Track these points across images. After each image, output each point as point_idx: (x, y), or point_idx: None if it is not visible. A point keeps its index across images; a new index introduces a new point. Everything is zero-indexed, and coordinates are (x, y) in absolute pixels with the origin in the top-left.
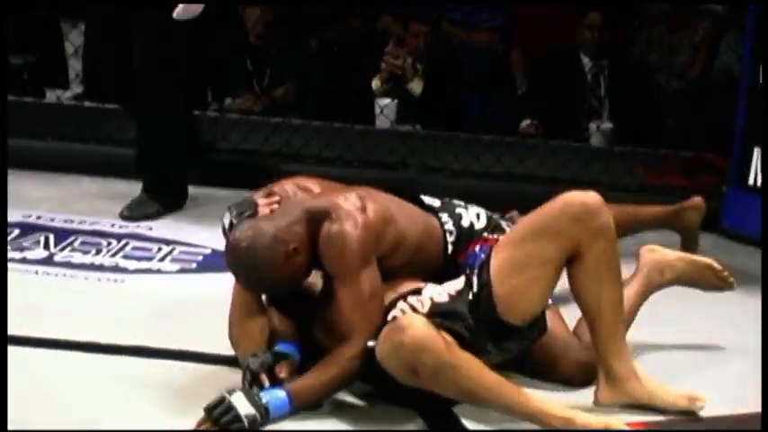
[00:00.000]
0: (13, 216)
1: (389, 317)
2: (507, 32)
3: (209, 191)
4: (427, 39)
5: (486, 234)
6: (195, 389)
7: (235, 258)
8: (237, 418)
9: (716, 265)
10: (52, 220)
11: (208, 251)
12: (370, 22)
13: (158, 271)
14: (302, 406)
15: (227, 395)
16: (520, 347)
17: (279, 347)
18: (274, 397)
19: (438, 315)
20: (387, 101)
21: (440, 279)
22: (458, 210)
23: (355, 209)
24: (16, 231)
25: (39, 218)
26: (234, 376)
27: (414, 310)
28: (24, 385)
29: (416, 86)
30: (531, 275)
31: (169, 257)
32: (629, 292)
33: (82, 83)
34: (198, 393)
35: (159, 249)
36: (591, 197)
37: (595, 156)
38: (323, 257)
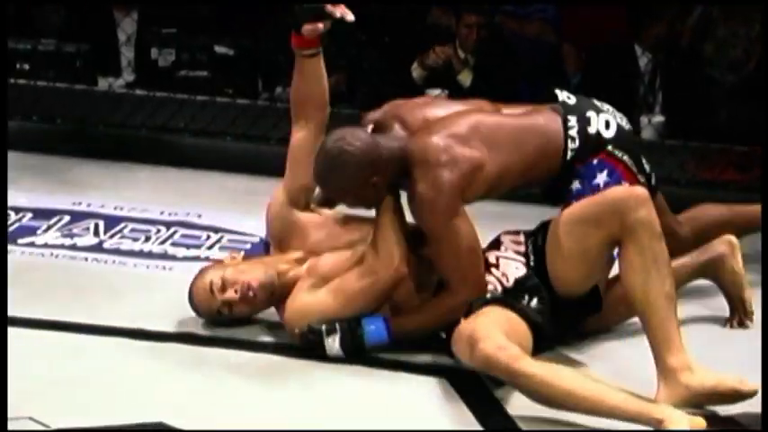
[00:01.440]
0: (64, 203)
1: None
2: (560, 24)
3: (257, 179)
4: (480, 30)
5: (610, 147)
6: (245, 377)
7: (323, 154)
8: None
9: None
10: (102, 206)
11: (256, 239)
12: (419, 13)
13: (207, 259)
14: (398, 337)
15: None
16: (570, 324)
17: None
18: (373, 322)
19: (524, 291)
20: (437, 92)
21: (552, 187)
22: (589, 112)
23: (449, 158)
24: (67, 218)
25: (89, 205)
26: (280, 365)
27: (501, 285)
28: (74, 371)
29: (466, 78)
30: (577, 260)
31: (218, 245)
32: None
33: (134, 71)
34: (247, 381)
35: (208, 237)
36: (635, 191)
37: (646, 149)
38: (413, 213)
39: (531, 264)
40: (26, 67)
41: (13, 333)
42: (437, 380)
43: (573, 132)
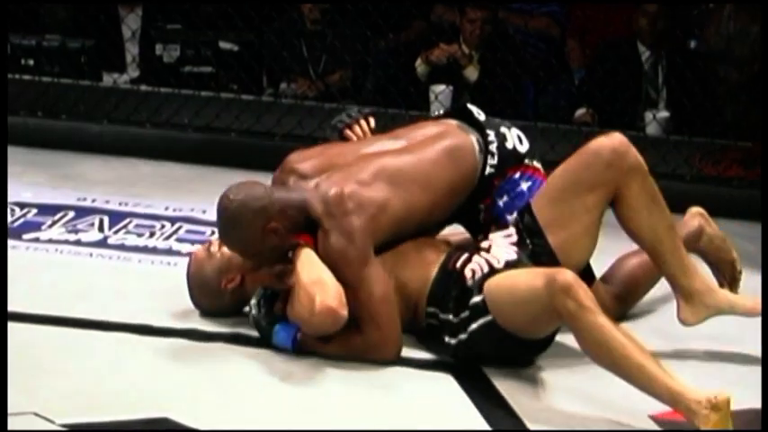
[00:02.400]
0: (69, 198)
1: (468, 270)
2: (564, 20)
3: (261, 175)
4: (484, 25)
5: (527, 161)
6: (250, 373)
7: (218, 214)
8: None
9: (738, 265)
10: (107, 202)
11: None
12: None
13: None
14: (303, 349)
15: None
16: None
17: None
18: (286, 330)
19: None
20: (441, 87)
21: (472, 201)
22: (502, 128)
23: (354, 205)
24: (71, 214)
25: (94, 200)
26: (285, 361)
27: (490, 266)
28: (78, 367)
29: (471, 73)
30: (580, 226)
31: None
32: None
33: (138, 67)
34: (252, 376)
35: (213, 233)
36: (616, 139)
37: (651, 145)
38: (327, 265)
39: (530, 247)
40: (31, 62)
41: (17, 328)
42: (442, 375)
43: (492, 148)
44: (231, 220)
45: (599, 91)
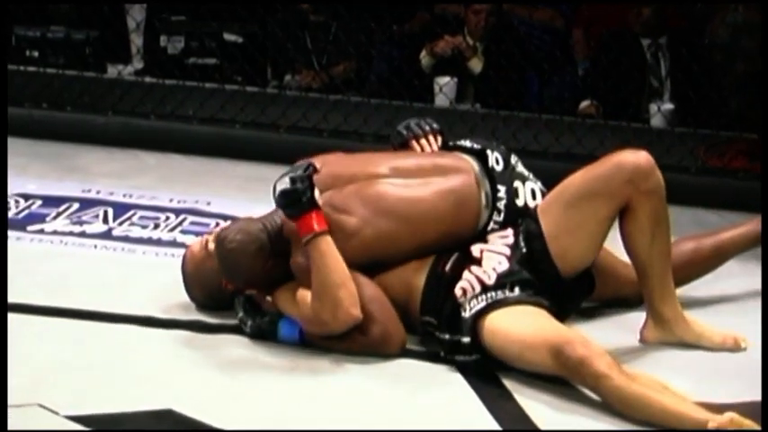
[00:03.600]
0: (73, 190)
1: (458, 289)
2: (569, 11)
3: (266, 167)
4: (489, 17)
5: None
6: (254, 365)
7: (219, 252)
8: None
9: None
10: (111, 194)
11: None
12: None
13: None
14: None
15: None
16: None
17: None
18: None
19: (505, 284)
20: (446, 79)
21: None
22: (516, 183)
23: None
24: (76, 205)
25: (98, 192)
26: (289, 353)
27: (482, 283)
28: (83, 358)
29: (476, 65)
30: (587, 235)
31: None
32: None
33: (143, 58)
34: (256, 369)
35: (217, 224)
36: (643, 158)
37: (656, 137)
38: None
39: (524, 251)
40: (35, 54)
41: (21, 320)
42: (448, 368)
43: (500, 205)
44: (232, 265)
45: (603, 82)
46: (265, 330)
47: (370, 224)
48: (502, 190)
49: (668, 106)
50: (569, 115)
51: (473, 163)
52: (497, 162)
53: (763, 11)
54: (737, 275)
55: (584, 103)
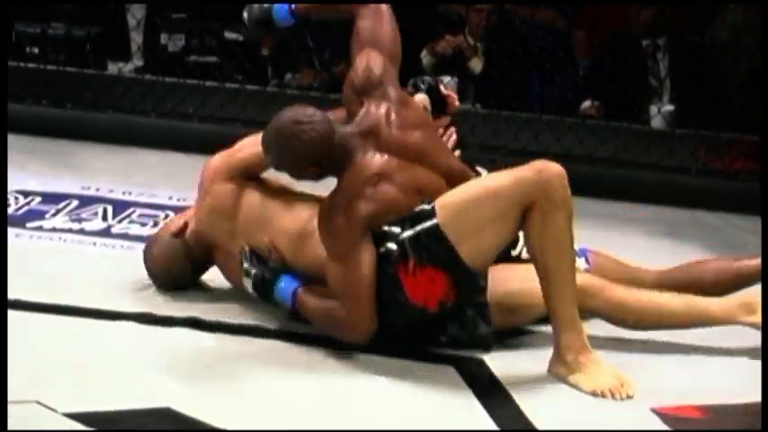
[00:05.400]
0: (73, 187)
1: None
2: (570, 12)
3: None
4: (490, 16)
5: None
6: (252, 363)
7: (275, 129)
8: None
9: None
10: (111, 191)
11: None
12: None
13: None
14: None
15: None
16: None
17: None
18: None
19: None
20: (447, 79)
21: None
22: None
23: (372, 193)
24: (75, 203)
25: (98, 189)
26: (286, 352)
27: None
28: (81, 355)
29: (476, 65)
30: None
31: None
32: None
33: (143, 56)
34: (254, 366)
35: None
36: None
37: (656, 138)
38: (320, 215)
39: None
40: (36, 50)
41: (19, 317)
42: (445, 367)
43: None
44: (284, 147)
45: (604, 83)
46: (267, 280)
47: (407, 207)
48: None
49: (668, 107)
50: (570, 116)
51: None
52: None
53: (762, 11)
54: (652, 247)
55: (586, 104)
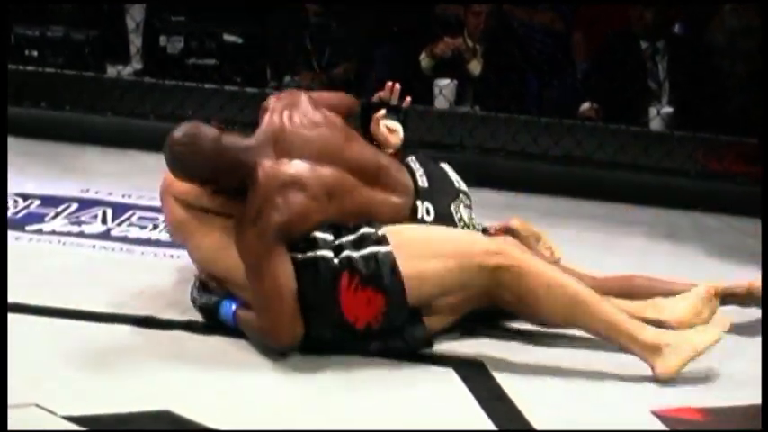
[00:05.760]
0: (71, 190)
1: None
2: (569, 14)
3: None
4: (488, 19)
5: None
6: (253, 366)
7: (168, 146)
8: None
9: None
10: (110, 194)
11: None
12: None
13: None
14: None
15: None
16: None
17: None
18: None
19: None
20: (446, 81)
21: None
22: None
23: (282, 201)
24: (74, 206)
25: (97, 192)
26: (286, 356)
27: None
28: (81, 358)
29: (475, 67)
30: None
31: None
32: None
33: (142, 59)
34: (254, 370)
35: None
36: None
37: (655, 140)
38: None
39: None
40: (35, 53)
41: (19, 319)
42: (443, 369)
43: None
44: (180, 162)
45: (603, 85)
46: (211, 308)
47: (322, 212)
48: (421, 207)
49: (667, 110)
50: (569, 118)
51: (413, 198)
52: (428, 212)
53: (762, 12)
54: (650, 249)
55: (585, 106)
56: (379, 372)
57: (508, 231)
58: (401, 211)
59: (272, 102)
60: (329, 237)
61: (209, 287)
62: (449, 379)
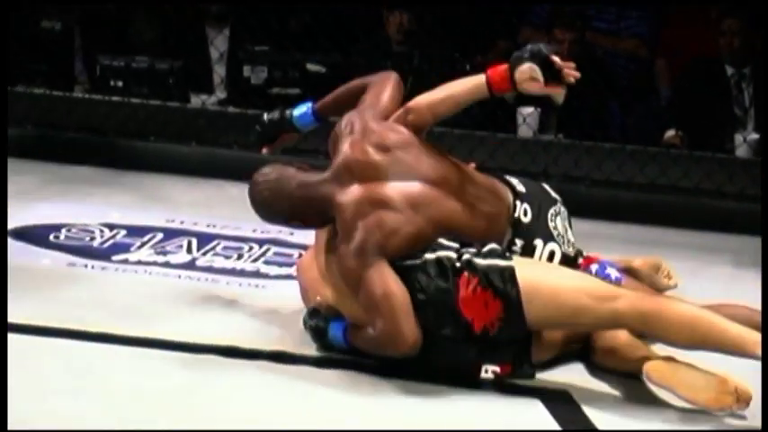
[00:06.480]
0: (157, 220)
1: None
2: (652, 41)
3: None
4: (571, 46)
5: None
6: (333, 394)
7: (254, 187)
8: None
9: None
10: (195, 224)
11: None
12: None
13: None
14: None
15: None
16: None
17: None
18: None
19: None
20: (530, 109)
21: None
22: (537, 240)
23: (369, 224)
24: (160, 236)
25: (182, 222)
26: (334, 376)
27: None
28: (167, 386)
29: (559, 96)
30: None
31: None
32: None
33: (226, 88)
34: (332, 398)
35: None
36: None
37: (741, 167)
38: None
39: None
40: (120, 83)
41: (105, 349)
42: (529, 400)
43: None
44: (259, 205)
45: (688, 112)
46: (321, 329)
47: (411, 223)
48: (518, 244)
49: (754, 136)
50: (653, 145)
51: (509, 203)
52: (525, 213)
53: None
54: (738, 276)
55: (669, 133)
56: (464, 403)
57: (630, 272)
58: (495, 219)
59: (341, 128)
60: (454, 244)
61: (320, 310)
62: (535, 411)
